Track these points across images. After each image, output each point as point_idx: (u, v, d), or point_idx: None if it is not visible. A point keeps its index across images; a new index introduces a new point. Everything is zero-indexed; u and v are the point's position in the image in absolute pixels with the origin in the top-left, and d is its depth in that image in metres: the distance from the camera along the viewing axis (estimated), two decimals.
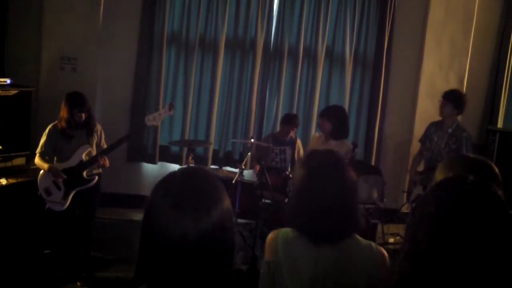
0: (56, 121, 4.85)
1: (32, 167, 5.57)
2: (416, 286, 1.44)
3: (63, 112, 4.77)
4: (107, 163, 4.91)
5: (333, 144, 5.15)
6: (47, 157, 4.85)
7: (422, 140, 5.94)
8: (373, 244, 2.09)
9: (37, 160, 4.86)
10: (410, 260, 1.46)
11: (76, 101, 4.77)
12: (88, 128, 4.89)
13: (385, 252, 2.08)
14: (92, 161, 4.84)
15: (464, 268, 1.35)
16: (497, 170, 2.09)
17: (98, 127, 5.02)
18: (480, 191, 1.43)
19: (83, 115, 4.78)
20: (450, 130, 5.62)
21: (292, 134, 6.38)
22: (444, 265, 1.38)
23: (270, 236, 2.14)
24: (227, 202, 1.41)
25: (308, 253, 2.03)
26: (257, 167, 5.96)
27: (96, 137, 4.96)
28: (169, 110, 5.16)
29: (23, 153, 5.70)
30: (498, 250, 1.35)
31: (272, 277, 2.08)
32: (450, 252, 1.37)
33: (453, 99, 5.63)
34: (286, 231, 2.12)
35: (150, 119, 5.10)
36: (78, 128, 4.83)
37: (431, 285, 1.40)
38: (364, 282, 2.01)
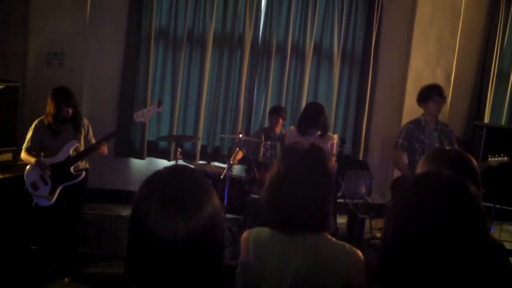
0: (43, 116, 4.83)
1: (19, 162, 5.54)
2: (385, 280, 1.46)
3: (50, 107, 4.75)
4: (106, 149, 4.90)
5: (320, 138, 5.18)
6: (33, 152, 4.82)
7: (405, 145, 5.58)
8: (346, 244, 2.02)
9: (23, 155, 4.83)
10: (381, 253, 1.48)
11: (63, 96, 4.75)
12: (75, 123, 4.86)
13: (359, 253, 2.02)
14: (80, 156, 4.83)
15: (429, 264, 1.37)
16: (475, 162, 2.11)
17: (85, 121, 5.00)
18: (452, 188, 1.44)
19: (70, 110, 4.75)
20: (439, 127, 5.61)
21: (280, 125, 6.41)
22: (409, 260, 1.39)
23: (244, 235, 2.12)
24: (216, 200, 1.41)
25: (279, 253, 2.01)
26: (240, 154, 5.97)
27: (83, 131, 4.94)
28: (158, 106, 5.15)
29: (10, 148, 5.66)
30: (466, 247, 1.37)
31: (244, 277, 2.07)
32: (414, 247, 1.39)
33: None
34: (258, 230, 2.11)
35: (139, 116, 5.09)
36: (65, 123, 4.81)
37: (396, 279, 1.42)
38: (337, 282, 1.96)
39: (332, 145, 5.33)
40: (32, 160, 4.75)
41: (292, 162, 2.06)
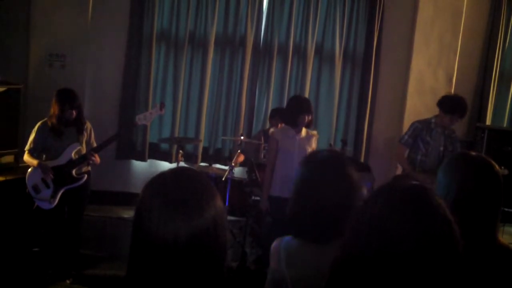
0: (46, 119, 4.83)
1: (20, 165, 5.54)
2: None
3: (54, 109, 4.74)
4: (98, 159, 4.88)
5: (304, 133, 5.18)
6: (35, 154, 4.82)
7: (409, 142, 5.59)
8: None
9: (25, 157, 4.83)
10: (341, 264, 1.45)
11: (67, 97, 4.75)
12: (78, 125, 4.86)
13: None
14: (82, 159, 4.82)
15: (391, 277, 1.33)
16: (497, 167, 2.07)
17: (88, 124, 5.00)
18: (414, 198, 1.40)
19: (74, 111, 4.75)
20: (446, 132, 5.60)
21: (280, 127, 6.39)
22: (370, 273, 1.35)
23: (274, 243, 2.10)
24: (219, 201, 1.41)
25: (312, 261, 1.98)
26: (241, 157, 5.97)
27: (86, 135, 4.93)
28: (160, 110, 5.16)
29: (12, 150, 5.66)
30: (426, 260, 1.33)
31: (277, 284, 2.04)
32: (379, 258, 1.35)
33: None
34: (288, 239, 2.08)
35: (141, 118, 5.09)
36: (68, 126, 4.81)
37: None
38: None
39: (315, 141, 5.36)
40: (35, 162, 4.74)
41: (312, 171, 2.05)
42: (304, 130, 5.17)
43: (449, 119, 5.48)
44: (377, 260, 1.34)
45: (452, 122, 5.51)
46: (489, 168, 2.04)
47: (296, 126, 5.10)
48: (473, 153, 2.13)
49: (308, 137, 5.21)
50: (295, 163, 5.05)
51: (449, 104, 5.48)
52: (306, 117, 5.08)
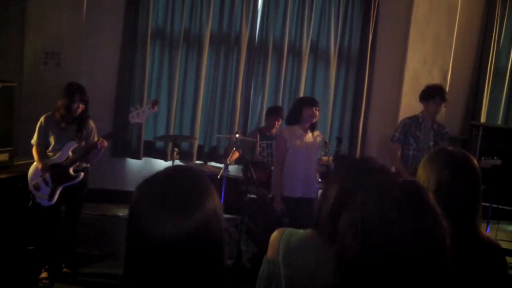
0: (49, 113, 4.80)
1: (15, 163, 5.52)
2: None
3: (62, 100, 4.71)
4: (105, 144, 4.82)
5: (311, 135, 5.19)
6: (43, 148, 4.80)
7: (401, 139, 5.67)
8: None
9: (34, 151, 4.79)
10: (339, 267, 1.42)
11: (78, 88, 4.78)
12: (79, 124, 4.84)
13: None
14: (78, 157, 4.81)
15: (391, 277, 1.32)
16: (476, 163, 2.08)
17: (92, 124, 4.97)
18: (407, 195, 1.38)
19: (81, 105, 4.74)
20: (435, 127, 5.67)
21: (277, 126, 6.39)
22: (371, 274, 1.34)
23: (275, 234, 2.02)
24: (214, 202, 1.38)
25: (311, 260, 1.93)
26: (236, 154, 5.98)
27: (84, 133, 4.90)
28: (153, 107, 5.07)
29: (6, 149, 5.63)
30: (424, 256, 1.32)
31: (270, 276, 1.99)
32: (376, 260, 1.33)
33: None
34: (290, 232, 2.00)
35: (134, 116, 5.03)
36: (70, 124, 4.80)
37: None
38: None
39: (320, 141, 5.38)
40: (40, 164, 4.74)
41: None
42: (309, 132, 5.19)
43: (432, 105, 5.60)
44: (372, 260, 1.33)
45: (436, 108, 5.62)
46: (466, 162, 2.05)
47: (300, 121, 5.10)
48: (451, 148, 2.13)
49: (315, 137, 5.22)
50: (303, 163, 5.06)
51: (427, 91, 5.65)
52: (312, 112, 5.06)
